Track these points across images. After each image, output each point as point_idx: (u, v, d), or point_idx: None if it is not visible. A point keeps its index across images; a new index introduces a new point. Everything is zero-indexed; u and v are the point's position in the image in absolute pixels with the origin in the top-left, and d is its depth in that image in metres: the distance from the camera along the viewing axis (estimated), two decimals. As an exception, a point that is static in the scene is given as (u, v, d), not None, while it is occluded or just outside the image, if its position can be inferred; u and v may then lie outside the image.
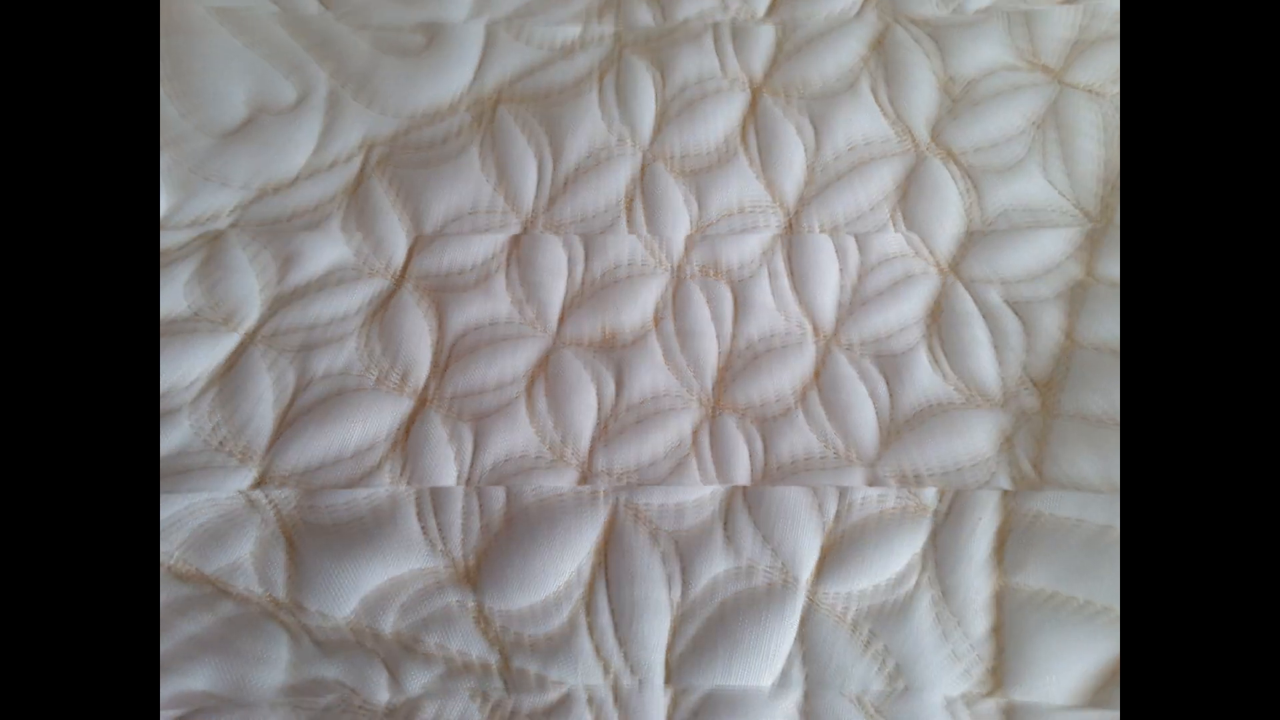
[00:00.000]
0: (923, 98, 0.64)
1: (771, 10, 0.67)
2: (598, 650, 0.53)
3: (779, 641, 0.53)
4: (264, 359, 0.56)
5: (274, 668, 0.52)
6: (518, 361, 0.57)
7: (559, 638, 0.53)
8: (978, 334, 0.58)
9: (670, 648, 0.53)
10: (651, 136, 0.62)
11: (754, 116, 0.62)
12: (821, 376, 0.57)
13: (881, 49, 0.65)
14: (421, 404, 0.56)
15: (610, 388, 0.57)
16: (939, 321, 0.58)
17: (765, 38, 0.65)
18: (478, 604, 0.54)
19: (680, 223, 0.60)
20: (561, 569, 0.54)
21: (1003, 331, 0.58)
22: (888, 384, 0.57)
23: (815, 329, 0.59)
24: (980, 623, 0.53)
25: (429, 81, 0.63)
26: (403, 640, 0.53)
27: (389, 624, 0.53)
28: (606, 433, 0.56)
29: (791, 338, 0.58)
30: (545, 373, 0.57)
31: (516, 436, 0.56)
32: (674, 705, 0.53)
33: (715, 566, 0.54)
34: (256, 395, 0.56)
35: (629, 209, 0.60)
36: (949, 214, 0.60)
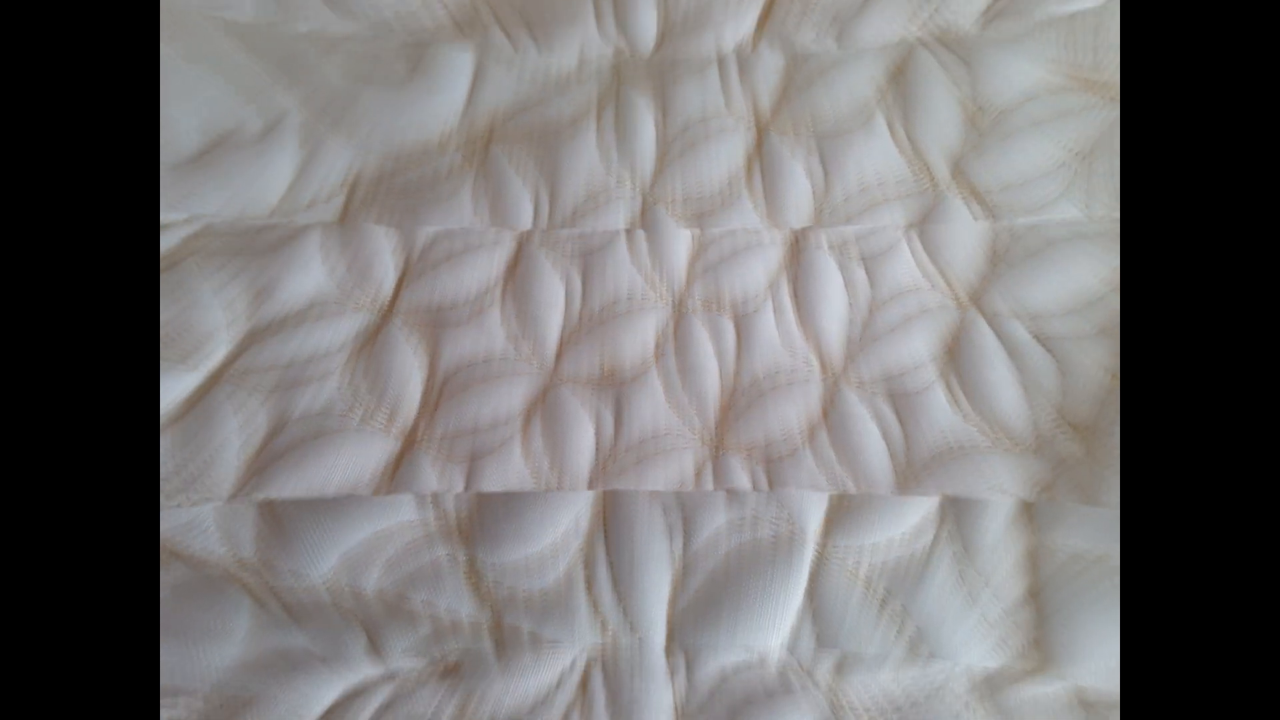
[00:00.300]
0: (945, 132, 0.59)
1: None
2: (595, 606, 0.50)
3: (787, 599, 0.50)
4: (230, 400, 0.52)
5: (228, 641, 0.48)
6: (513, 399, 0.54)
7: (554, 592, 0.50)
8: (1002, 372, 0.54)
9: (672, 603, 0.50)
10: (652, 178, 0.60)
11: (760, 156, 0.60)
12: (830, 415, 0.54)
13: (902, 77, 0.60)
14: (409, 445, 0.53)
15: (609, 426, 0.54)
16: (957, 358, 0.55)
17: (773, 68, 0.61)
18: (469, 557, 0.51)
19: (682, 261, 0.58)
20: (558, 519, 0.51)
21: (1031, 370, 0.54)
22: (901, 424, 0.54)
23: (823, 365, 0.56)
24: (1014, 586, 0.49)
25: (415, 114, 0.59)
26: (386, 600, 0.49)
27: (371, 582, 0.50)
28: (605, 473, 0.53)
29: (798, 374, 0.56)
30: (542, 410, 0.54)
31: (510, 478, 0.52)
32: (681, 692, 0.49)
33: (717, 517, 0.52)
34: (219, 440, 0.52)
35: (630, 252, 0.58)
36: (969, 248, 0.57)
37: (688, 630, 0.50)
